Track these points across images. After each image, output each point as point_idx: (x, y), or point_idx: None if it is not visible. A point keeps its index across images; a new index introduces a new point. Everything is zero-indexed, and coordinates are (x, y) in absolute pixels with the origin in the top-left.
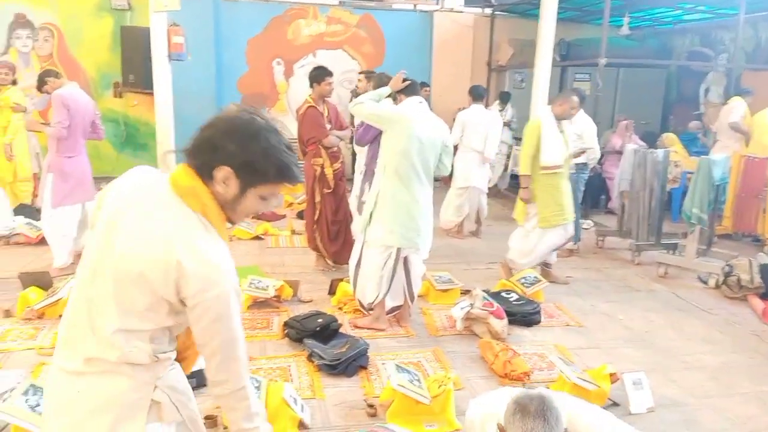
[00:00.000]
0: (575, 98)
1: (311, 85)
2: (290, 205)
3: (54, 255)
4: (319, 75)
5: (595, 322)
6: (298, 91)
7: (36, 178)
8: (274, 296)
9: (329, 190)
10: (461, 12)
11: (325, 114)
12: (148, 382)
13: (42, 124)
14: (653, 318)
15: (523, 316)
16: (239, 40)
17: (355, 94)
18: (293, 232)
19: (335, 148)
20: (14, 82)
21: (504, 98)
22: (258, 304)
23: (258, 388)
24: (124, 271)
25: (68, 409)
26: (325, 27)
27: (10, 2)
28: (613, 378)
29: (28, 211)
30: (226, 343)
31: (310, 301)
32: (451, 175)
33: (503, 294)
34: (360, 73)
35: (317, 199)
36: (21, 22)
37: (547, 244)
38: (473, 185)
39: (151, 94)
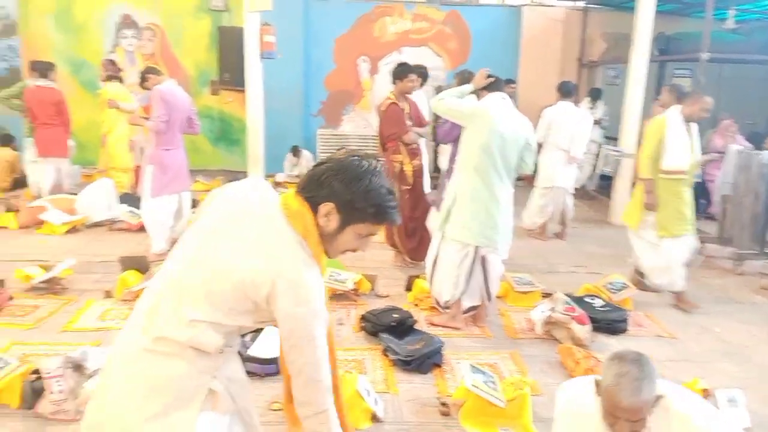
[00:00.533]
0: (708, 99)
1: (393, 82)
2: None
3: (152, 241)
4: (401, 72)
5: (689, 334)
6: (382, 87)
7: (138, 169)
8: (352, 289)
9: (408, 187)
10: (552, 6)
11: (406, 110)
12: (208, 371)
13: (143, 118)
14: (753, 332)
15: (608, 323)
16: (327, 38)
17: (439, 90)
18: None
19: (415, 145)
20: (120, 79)
21: (594, 95)
22: (336, 296)
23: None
24: (223, 273)
25: (127, 384)
26: (410, 24)
27: (118, 4)
28: (706, 394)
29: (131, 199)
30: (311, 365)
31: (387, 296)
32: (535, 174)
33: (587, 299)
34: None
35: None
36: (127, 22)
37: (678, 258)
38: (558, 185)
39: (244, 91)
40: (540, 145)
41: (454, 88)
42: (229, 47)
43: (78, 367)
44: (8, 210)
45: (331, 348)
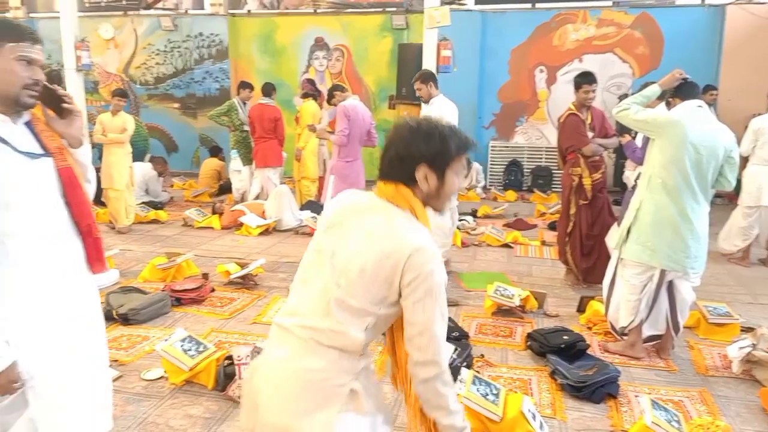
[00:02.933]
0: None
1: (576, 92)
2: (542, 215)
3: None
4: (579, 82)
5: None
6: (559, 98)
7: (321, 179)
8: (519, 306)
9: (586, 202)
10: (763, 3)
11: (588, 121)
12: (350, 371)
13: (328, 132)
14: None
15: None
16: (503, 49)
17: (623, 98)
18: (543, 242)
19: (596, 157)
20: (314, 97)
21: None
22: (502, 311)
23: (497, 395)
24: (359, 264)
25: (278, 384)
26: (594, 30)
27: (312, 27)
28: None
29: (314, 206)
30: (434, 320)
31: (557, 315)
32: (738, 192)
33: None
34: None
35: (572, 210)
36: (319, 44)
37: None
38: (765, 204)
39: (419, 105)
40: (745, 159)
41: (637, 94)
42: (407, 63)
43: None
44: (214, 212)
45: None
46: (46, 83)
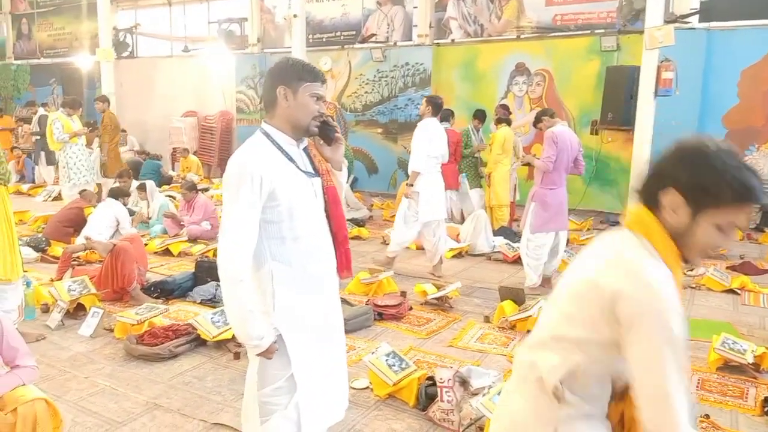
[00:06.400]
0: None
1: None
2: None
3: (526, 275)
4: None
5: None
6: None
7: (513, 205)
8: (752, 363)
9: None
10: None
11: None
12: (550, 421)
13: (535, 157)
14: None
15: None
16: (731, 70)
17: None
18: None
19: None
20: (508, 122)
21: None
22: (730, 367)
23: None
24: (571, 289)
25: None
26: None
27: (514, 53)
28: None
29: (508, 232)
30: (666, 378)
31: None
32: None
33: None
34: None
35: None
36: (520, 69)
37: None
38: None
39: (627, 131)
40: None
41: None
42: (615, 87)
43: (464, 383)
44: None
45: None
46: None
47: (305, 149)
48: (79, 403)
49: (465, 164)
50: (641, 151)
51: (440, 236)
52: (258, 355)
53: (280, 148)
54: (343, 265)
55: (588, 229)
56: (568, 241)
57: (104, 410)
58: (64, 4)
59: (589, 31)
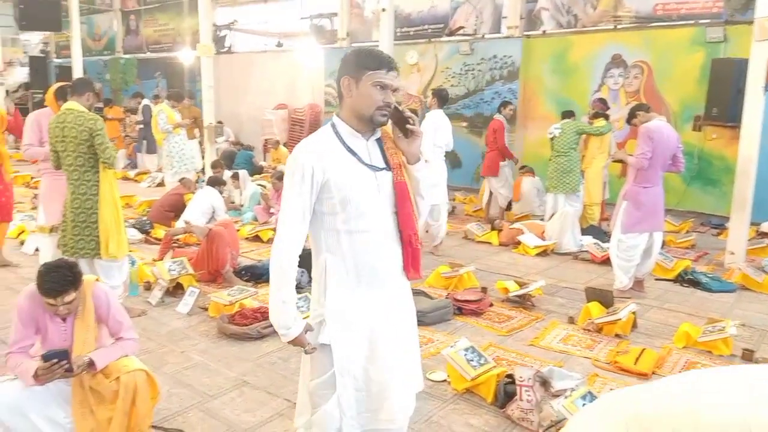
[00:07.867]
0: None
1: None
2: None
3: (616, 276)
4: None
5: None
6: None
7: (604, 204)
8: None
9: None
10: None
11: None
12: None
13: (628, 155)
14: None
15: None
16: None
17: None
18: None
19: None
20: (606, 117)
21: None
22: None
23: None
24: None
25: None
26: None
27: (610, 44)
28: None
29: (597, 231)
30: None
31: None
32: None
33: None
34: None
35: None
36: (616, 61)
37: None
38: None
39: (733, 127)
40: None
41: None
42: (721, 80)
43: (545, 383)
44: (493, 228)
45: None
46: (396, 106)
47: (378, 141)
48: (175, 376)
49: (553, 166)
50: (748, 150)
51: (443, 220)
52: (289, 343)
53: (341, 140)
54: (410, 265)
55: (687, 231)
56: (663, 243)
57: (197, 383)
58: (168, 1)
59: (693, 22)
